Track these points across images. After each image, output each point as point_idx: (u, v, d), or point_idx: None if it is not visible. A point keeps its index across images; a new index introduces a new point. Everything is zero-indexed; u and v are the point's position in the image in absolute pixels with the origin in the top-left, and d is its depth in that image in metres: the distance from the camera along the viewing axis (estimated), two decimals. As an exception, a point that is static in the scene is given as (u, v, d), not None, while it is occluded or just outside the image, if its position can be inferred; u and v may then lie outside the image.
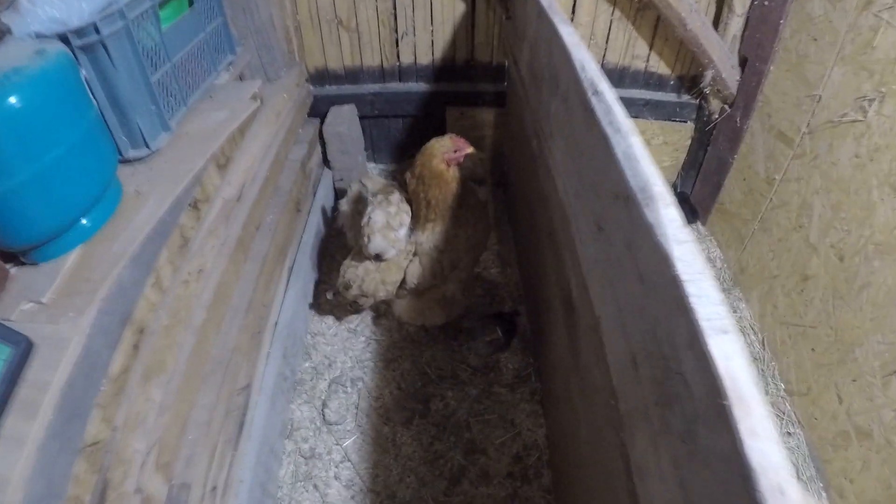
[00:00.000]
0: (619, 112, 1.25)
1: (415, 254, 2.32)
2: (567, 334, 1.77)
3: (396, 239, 2.25)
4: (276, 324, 2.35)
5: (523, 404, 2.41)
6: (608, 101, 1.30)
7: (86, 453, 1.27)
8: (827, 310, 2.36)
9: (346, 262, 2.42)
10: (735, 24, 2.94)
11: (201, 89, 2.03)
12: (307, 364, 2.62)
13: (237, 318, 1.94)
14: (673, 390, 0.90)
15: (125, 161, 1.71)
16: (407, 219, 2.27)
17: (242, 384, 1.97)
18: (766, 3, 2.73)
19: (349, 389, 2.50)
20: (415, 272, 2.31)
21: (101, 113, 1.62)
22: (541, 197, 2.09)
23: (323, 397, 2.47)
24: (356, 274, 2.33)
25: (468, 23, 3.10)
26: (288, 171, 2.66)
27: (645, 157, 1.12)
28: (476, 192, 2.38)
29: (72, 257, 1.42)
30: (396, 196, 2.28)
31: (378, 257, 2.28)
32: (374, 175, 2.37)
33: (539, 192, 2.12)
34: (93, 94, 1.60)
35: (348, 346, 2.71)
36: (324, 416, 2.40)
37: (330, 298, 2.68)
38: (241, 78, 2.41)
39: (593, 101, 1.34)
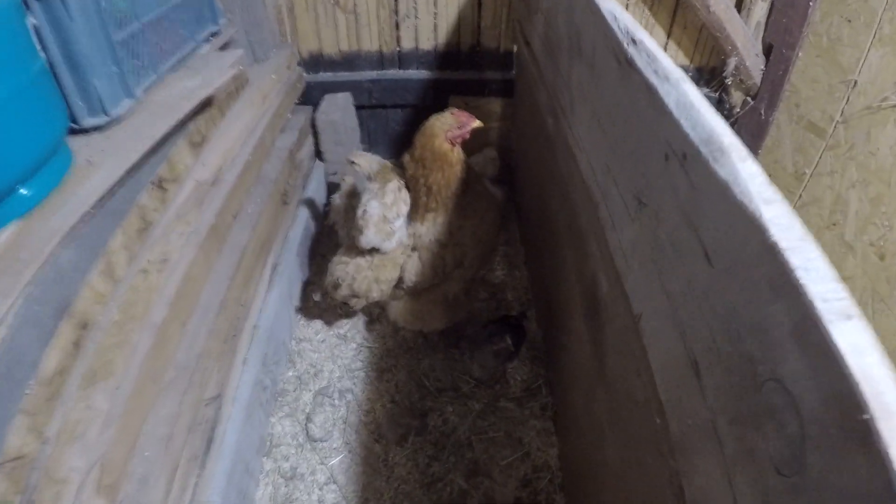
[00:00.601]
0: (665, 59, 1.04)
1: (413, 248, 2.09)
2: (591, 339, 1.55)
3: (391, 231, 2.02)
4: (255, 327, 2.12)
5: (533, 421, 2.18)
6: (649, 48, 1.09)
7: (6, 469, 1.04)
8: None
9: (336, 258, 2.19)
10: (759, 10, 2.76)
11: (176, 58, 1.81)
12: (290, 373, 2.39)
13: (207, 317, 1.71)
14: (763, 403, 0.67)
15: (81, 131, 1.49)
16: (405, 208, 2.05)
17: (212, 394, 1.74)
18: (793, -15, 2.55)
19: (337, 402, 2.27)
20: (413, 269, 2.08)
21: (54, 70, 1.41)
22: (558, 183, 1.87)
23: (307, 410, 2.24)
24: (346, 271, 2.10)
25: (474, 5, 2.90)
26: (274, 160, 2.45)
27: (704, 105, 0.90)
28: (484, 181, 2.16)
29: (7, 232, 1.19)
30: (394, 184, 2.05)
31: (374, 251, 2.06)
32: (367, 154, 2.14)
33: (556, 178, 1.91)
34: (44, 47, 1.38)
35: (337, 354, 2.48)
36: (308, 431, 2.16)
37: (317, 300, 2.44)
38: (223, 48, 2.19)
39: (631, 51, 1.12)
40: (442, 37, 3.00)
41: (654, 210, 1.02)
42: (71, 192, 1.26)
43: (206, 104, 1.84)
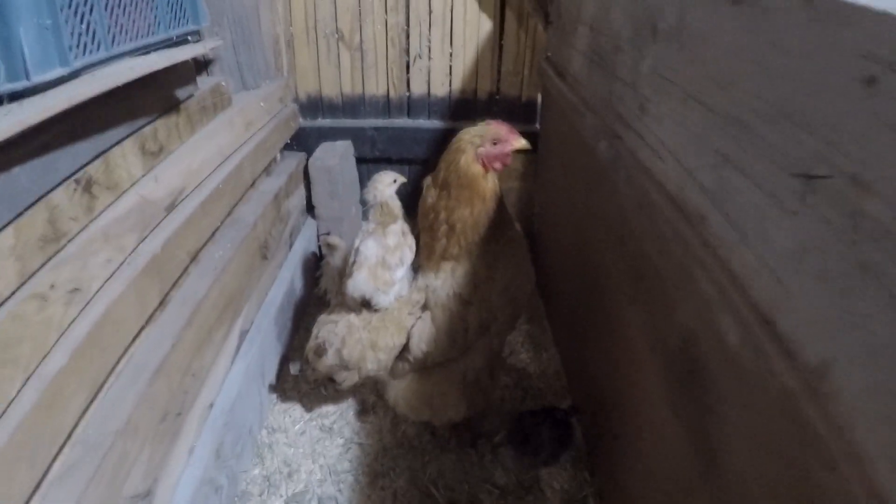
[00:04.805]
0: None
1: (424, 307, 1.67)
2: (686, 427, 1.12)
3: (391, 282, 1.64)
4: (210, 405, 1.68)
5: (576, 547, 1.68)
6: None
7: None
8: None
9: (323, 316, 1.77)
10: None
11: (138, 43, 1.49)
12: (257, 471, 1.91)
13: (136, 383, 1.28)
14: None
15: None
16: (409, 256, 1.69)
17: (138, 490, 1.28)
18: None
19: (315, 514, 1.78)
20: (424, 334, 1.65)
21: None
22: (617, 223, 1.50)
23: (274, 524, 1.74)
24: (334, 332, 1.68)
25: (495, 47, 2.68)
26: (255, 202, 2.10)
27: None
28: (515, 225, 1.78)
29: None
30: (398, 225, 1.70)
31: (366, 305, 1.65)
32: (392, 174, 1.79)
33: (613, 218, 1.54)
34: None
35: (319, 451, 2.00)
36: (272, 554, 1.66)
37: (295, 373, 1.98)
38: (207, 67, 1.90)
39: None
40: (457, 82, 2.76)
41: (850, 177, 0.64)
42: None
43: (169, 107, 1.52)
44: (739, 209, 0.90)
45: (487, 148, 1.56)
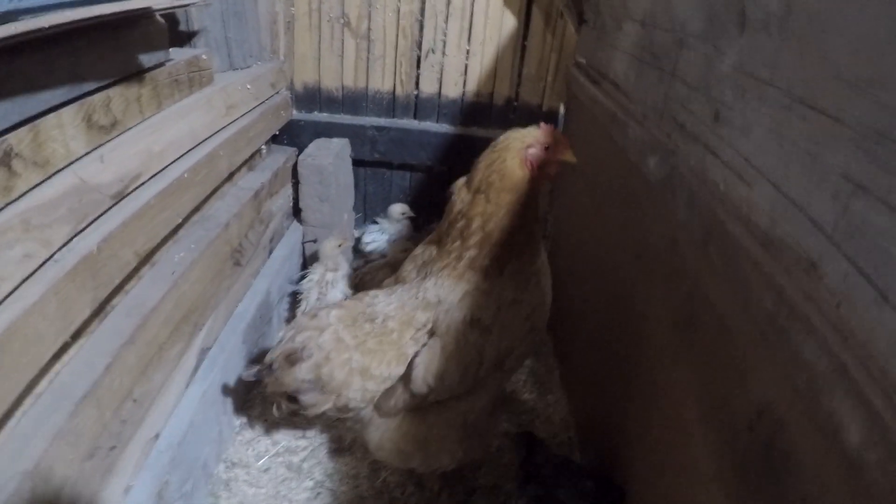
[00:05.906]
0: None
1: (431, 332, 1.42)
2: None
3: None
4: (156, 437, 1.43)
5: None
6: None
7: None
8: None
9: (302, 319, 1.48)
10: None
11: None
12: (207, 516, 1.66)
13: (57, 410, 1.04)
14: None
15: None
16: None
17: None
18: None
19: (271, 573, 1.52)
20: (432, 366, 1.39)
21: None
22: (666, 257, 1.27)
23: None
24: (317, 344, 1.39)
25: (517, 47, 2.46)
26: (231, 200, 1.86)
27: None
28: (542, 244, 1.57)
29: None
30: None
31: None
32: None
33: (662, 249, 1.31)
34: None
35: (284, 493, 1.76)
36: None
37: (248, 378, 1.57)
38: (190, 40, 1.67)
39: None
40: (472, 83, 2.54)
41: None
42: None
43: (129, 74, 1.28)
44: (879, 257, 0.67)
45: (538, 151, 1.41)
